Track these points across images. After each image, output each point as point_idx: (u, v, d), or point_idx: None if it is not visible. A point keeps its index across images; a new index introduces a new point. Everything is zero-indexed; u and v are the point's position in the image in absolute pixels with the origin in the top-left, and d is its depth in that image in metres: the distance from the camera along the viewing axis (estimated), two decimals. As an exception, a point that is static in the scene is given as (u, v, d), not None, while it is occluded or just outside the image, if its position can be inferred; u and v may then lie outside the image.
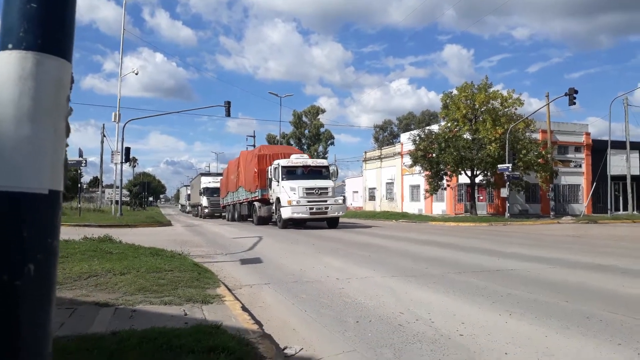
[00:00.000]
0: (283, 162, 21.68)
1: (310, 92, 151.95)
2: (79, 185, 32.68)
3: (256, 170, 23.83)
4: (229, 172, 32.42)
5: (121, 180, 31.23)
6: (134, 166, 75.75)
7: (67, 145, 1.22)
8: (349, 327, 4.54)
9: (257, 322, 4.54)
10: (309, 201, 19.98)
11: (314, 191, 20.23)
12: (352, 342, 4.04)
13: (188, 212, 58.36)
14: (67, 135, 1.18)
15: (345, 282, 6.94)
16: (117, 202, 29.98)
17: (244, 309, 5.04)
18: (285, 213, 19.96)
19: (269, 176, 22.16)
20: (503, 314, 4.96)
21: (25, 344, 1.02)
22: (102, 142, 46.27)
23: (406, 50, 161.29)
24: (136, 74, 31.45)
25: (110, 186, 56.98)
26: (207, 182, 43.60)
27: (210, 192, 41.27)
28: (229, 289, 6.12)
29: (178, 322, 4.19)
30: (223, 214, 36.60)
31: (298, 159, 22.48)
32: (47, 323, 1.08)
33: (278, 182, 21.05)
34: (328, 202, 20.34)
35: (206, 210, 41.17)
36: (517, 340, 4.06)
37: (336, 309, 5.27)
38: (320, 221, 21.47)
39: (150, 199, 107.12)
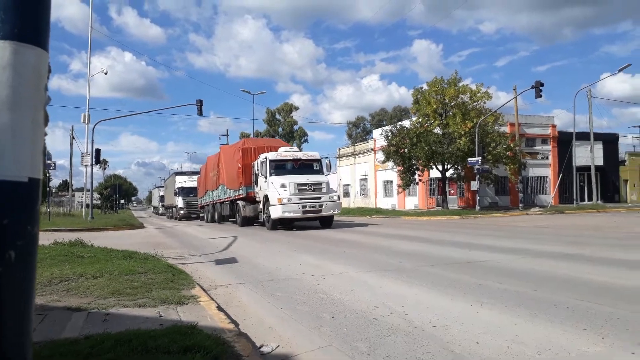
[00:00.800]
0: (271, 155, 19.68)
1: (282, 90, 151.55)
2: (48, 189, 31.84)
3: (240, 165, 21.69)
4: (208, 169, 30.07)
5: (92, 183, 30.57)
6: (105, 168, 74.47)
7: (45, 134, 1.24)
8: (325, 322, 4.59)
9: (233, 322, 4.56)
10: (301, 198, 18.11)
11: (306, 187, 18.38)
12: (328, 337, 4.10)
13: (161, 215, 56.93)
14: (46, 124, 1.19)
15: (321, 279, 6.99)
16: (87, 205, 29.36)
17: (220, 308, 5.04)
18: (275, 212, 18.10)
19: (256, 172, 20.06)
20: (474, 304, 5.09)
21: (8, 328, 1.04)
22: (72, 144, 45.19)
23: (377, 46, 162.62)
24: (105, 73, 30.67)
25: (81, 189, 55.63)
26: (182, 181, 41.57)
27: (186, 192, 39.46)
28: (204, 290, 6.10)
29: (153, 323, 4.17)
30: (201, 214, 34.42)
31: (287, 152, 20.50)
32: (29, 309, 1.10)
33: (266, 178, 19.10)
34: (322, 200, 18.46)
35: (182, 212, 39.23)
36: (488, 329, 4.18)
37: (312, 306, 5.32)
38: (313, 220, 19.80)
39: (122, 201, 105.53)
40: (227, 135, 50.67)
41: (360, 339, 4.02)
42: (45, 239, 11.32)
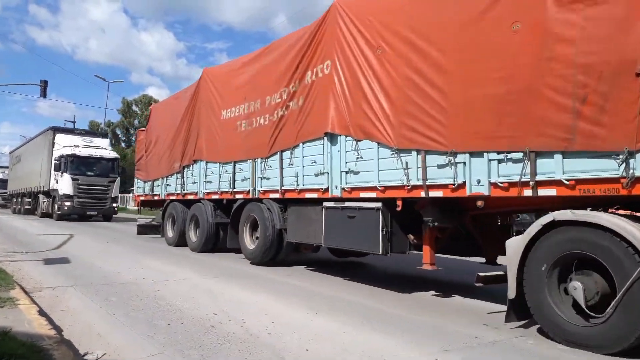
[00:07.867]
0: None
1: (137, 80, 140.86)
2: None
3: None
4: (203, 106, 11.03)
5: None
6: None
7: None
8: (160, 330, 4.46)
9: (56, 328, 4.21)
10: None
11: None
12: (161, 346, 3.99)
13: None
14: None
15: (162, 284, 6.76)
16: None
17: (42, 313, 4.63)
18: None
19: None
20: (310, 313, 5.35)
21: None
22: None
23: (243, 51, 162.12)
24: None
25: None
26: (71, 144, 23.00)
27: (79, 165, 22.33)
28: (26, 292, 5.54)
29: (-45, 330, 3.68)
30: (140, 219, 15.83)
31: None
32: None
33: None
34: None
35: (68, 204, 21.76)
36: (320, 336, 4.43)
37: (148, 312, 5.12)
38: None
39: None
40: (74, 122, 46.02)
41: (194, 346, 3.99)
42: None
